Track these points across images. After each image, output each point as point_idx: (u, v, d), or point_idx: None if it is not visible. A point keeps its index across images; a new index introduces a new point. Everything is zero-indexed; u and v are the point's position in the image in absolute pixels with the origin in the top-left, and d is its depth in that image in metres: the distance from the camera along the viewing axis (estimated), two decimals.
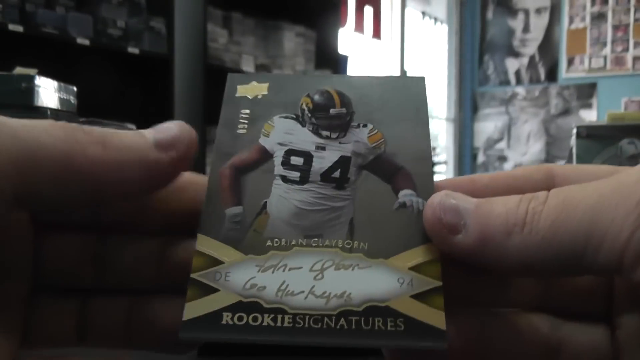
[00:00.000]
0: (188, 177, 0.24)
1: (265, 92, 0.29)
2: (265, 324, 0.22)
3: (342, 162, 0.26)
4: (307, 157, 0.27)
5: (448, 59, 5.07)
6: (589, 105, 4.61)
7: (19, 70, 0.97)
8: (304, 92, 0.29)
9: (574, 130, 0.92)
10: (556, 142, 4.68)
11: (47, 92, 0.91)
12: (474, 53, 5.04)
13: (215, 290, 0.23)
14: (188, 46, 2.82)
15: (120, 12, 2.51)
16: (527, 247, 0.20)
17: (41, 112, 0.88)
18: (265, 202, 0.25)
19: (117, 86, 2.62)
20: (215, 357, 0.37)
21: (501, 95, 4.93)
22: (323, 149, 0.27)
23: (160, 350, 0.25)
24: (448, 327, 0.21)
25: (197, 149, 0.22)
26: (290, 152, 0.27)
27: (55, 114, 0.91)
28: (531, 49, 4.81)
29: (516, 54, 4.87)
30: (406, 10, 4.65)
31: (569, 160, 0.94)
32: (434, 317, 0.22)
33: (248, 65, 3.05)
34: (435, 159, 4.29)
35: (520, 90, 4.86)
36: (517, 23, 4.85)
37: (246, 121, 0.28)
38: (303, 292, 0.22)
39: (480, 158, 4.97)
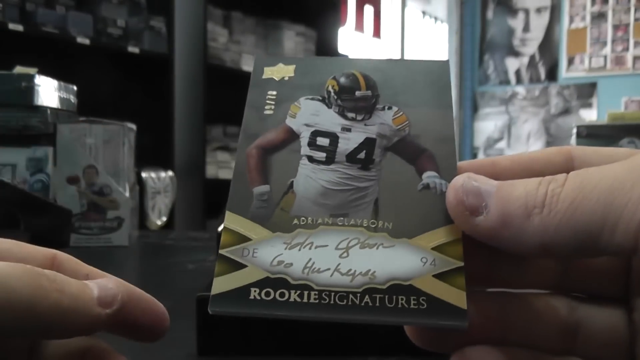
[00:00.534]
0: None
1: (292, 74, 0.29)
2: (292, 299, 0.22)
3: (367, 144, 0.27)
4: (333, 138, 0.27)
5: (448, 58, 5.06)
6: (589, 105, 4.61)
7: (19, 69, 0.97)
8: (329, 74, 0.29)
9: (574, 130, 0.92)
10: (556, 142, 4.68)
11: (47, 91, 0.91)
12: (474, 52, 5.04)
13: (243, 266, 0.23)
14: (188, 45, 2.82)
15: (121, 11, 2.51)
16: (546, 228, 0.21)
17: (41, 111, 0.88)
18: (292, 181, 0.26)
19: (117, 85, 2.62)
20: (215, 357, 0.37)
21: (501, 95, 4.93)
22: (349, 130, 0.27)
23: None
24: (469, 306, 0.22)
25: (124, 307, 0.23)
26: (316, 133, 0.27)
27: (55, 113, 0.91)
28: (531, 48, 4.81)
29: (516, 54, 4.87)
30: (406, 10, 4.65)
31: None
32: (456, 296, 0.22)
33: (248, 65, 3.04)
34: None
35: (521, 89, 4.86)
36: (517, 22, 4.85)
37: (273, 102, 0.28)
38: (329, 269, 0.23)
39: (480, 157, 4.96)
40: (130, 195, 0.89)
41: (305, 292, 0.22)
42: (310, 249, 0.24)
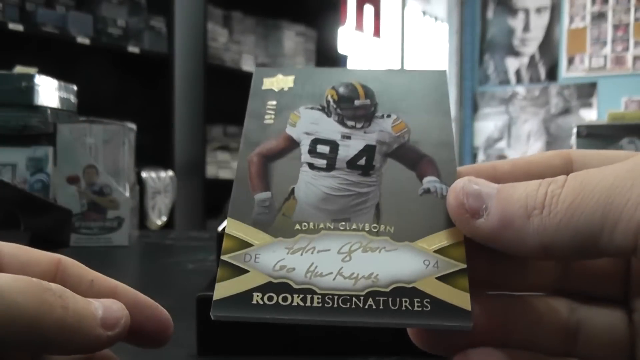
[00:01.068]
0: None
1: (291, 85, 0.30)
2: (295, 303, 0.22)
3: (368, 150, 0.27)
4: (333, 145, 0.27)
5: (448, 58, 5.07)
6: (589, 105, 4.61)
7: (19, 69, 0.97)
8: (328, 84, 0.30)
9: (574, 130, 0.92)
10: (556, 142, 4.68)
11: (47, 91, 0.91)
12: (474, 52, 5.04)
13: (245, 271, 0.23)
14: (188, 45, 2.82)
15: (121, 11, 2.51)
16: (545, 228, 0.21)
17: (41, 111, 0.88)
18: (293, 187, 0.26)
19: (117, 85, 2.61)
20: (215, 357, 0.37)
21: (501, 95, 4.93)
22: (348, 138, 0.28)
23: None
24: (472, 309, 0.22)
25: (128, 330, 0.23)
26: (316, 141, 0.28)
27: (55, 113, 0.91)
28: (531, 48, 4.81)
29: (516, 54, 4.87)
30: (406, 9, 4.65)
31: None
32: (459, 298, 0.22)
33: (248, 65, 3.04)
34: None
35: (521, 89, 4.86)
36: (517, 22, 4.85)
37: (273, 112, 0.29)
38: (332, 273, 0.23)
39: (480, 157, 4.97)
40: (130, 195, 0.89)
41: (309, 296, 0.22)
42: (312, 253, 0.24)
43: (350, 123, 0.28)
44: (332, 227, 0.25)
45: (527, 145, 4.80)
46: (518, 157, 0.27)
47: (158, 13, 2.62)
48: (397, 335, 0.36)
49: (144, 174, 2.11)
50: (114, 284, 0.24)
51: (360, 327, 0.22)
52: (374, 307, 0.22)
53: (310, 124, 0.28)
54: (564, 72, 4.69)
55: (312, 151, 0.27)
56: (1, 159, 0.85)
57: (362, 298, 0.22)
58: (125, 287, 0.24)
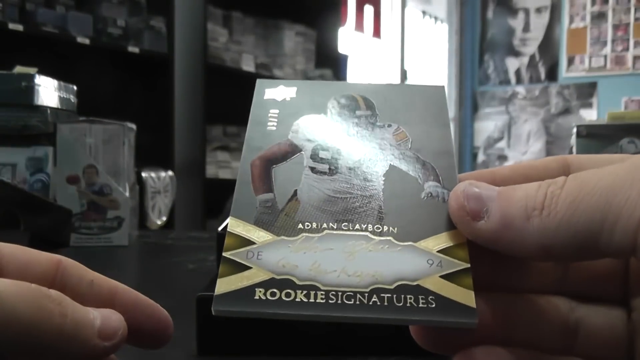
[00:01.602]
0: None
1: (294, 95, 0.31)
2: (298, 299, 0.22)
3: (369, 157, 0.28)
4: (335, 151, 0.28)
5: (448, 58, 5.07)
6: (589, 105, 4.61)
7: (19, 69, 0.97)
8: (330, 96, 0.31)
9: (574, 130, 0.92)
10: (556, 142, 4.68)
11: (47, 91, 0.91)
12: (474, 52, 5.04)
13: (248, 267, 0.23)
14: (188, 45, 2.82)
15: (120, 11, 2.51)
16: (546, 229, 0.21)
17: (41, 111, 0.88)
18: (296, 189, 0.26)
19: (117, 85, 2.62)
20: (215, 357, 0.37)
21: (501, 95, 4.93)
22: (350, 145, 0.28)
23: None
24: (476, 307, 0.22)
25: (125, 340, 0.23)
26: (318, 147, 0.28)
27: (55, 113, 0.91)
28: (531, 48, 4.81)
29: (516, 53, 4.87)
30: (406, 10, 4.65)
31: None
32: (464, 295, 0.22)
33: (248, 65, 3.04)
34: None
35: (521, 89, 4.86)
36: (517, 22, 4.85)
37: (275, 119, 0.30)
38: (335, 270, 0.23)
39: (481, 157, 4.97)
40: (130, 195, 0.89)
41: (312, 292, 0.22)
42: (315, 252, 0.24)
43: (351, 132, 0.29)
44: (335, 228, 0.25)
45: (527, 145, 4.80)
46: (516, 162, 0.27)
47: (158, 13, 2.62)
48: (397, 335, 0.36)
49: (144, 174, 2.11)
50: (114, 284, 0.24)
51: (363, 324, 0.22)
52: (378, 303, 0.22)
53: (312, 131, 0.29)
54: (564, 72, 4.69)
55: (314, 157, 0.28)
56: (1, 159, 0.85)
57: (366, 294, 0.22)
58: (125, 288, 0.24)
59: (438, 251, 0.24)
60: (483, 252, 0.23)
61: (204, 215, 2.79)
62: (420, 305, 0.22)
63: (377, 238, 0.24)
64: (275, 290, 0.22)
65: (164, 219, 2.24)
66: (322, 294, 0.22)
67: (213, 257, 0.71)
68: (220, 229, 0.59)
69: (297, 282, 0.23)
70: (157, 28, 2.60)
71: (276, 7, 3.18)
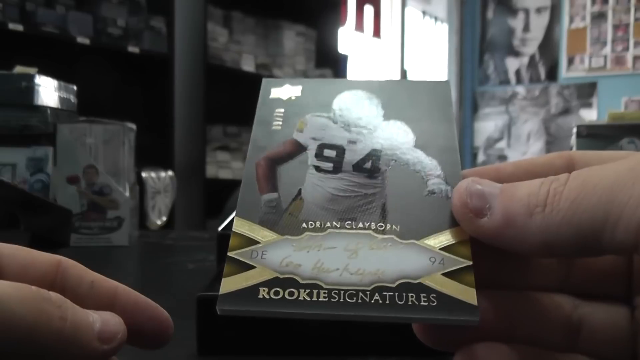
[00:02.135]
0: None
1: (299, 94, 0.31)
2: (301, 298, 0.22)
3: (373, 154, 0.28)
4: (340, 149, 0.28)
5: (448, 58, 5.07)
6: (589, 105, 4.61)
7: (19, 69, 0.97)
8: (335, 94, 0.31)
9: (574, 130, 0.92)
10: (556, 142, 4.68)
11: (47, 91, 0.91)
12: (474, 52, 5.04)
13: (252, 267, 0.23)
14: (188, 45, 2.82)
15: (121, 11, 2.51)
16: (548, 226, 0.21)
17: (41, 111, 0.88)
18: (300, 189, 0.27)
19: (117, 85, 2.62)
20: (215, 357, 0.37)
21: (501, 95, 4.93)
22: (354, 142, 0.28)
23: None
24: (478, 304, 0.22)
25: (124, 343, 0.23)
26: (323, 146, 0.28)
27: (55, 113, 0.91)
28: (531, 48, 4.81)
29: (516, 54, 4.87)
30: (406, 9, 4.65)
31: None
32: (466, 293, 0.23)
33: (248, 65, 3.04)
34: None
35: (521, 89, 4.86)
36: (517, 22, 4.85)
37: (280, 119, 0.30)
38: (338, 269, 0.23)
39: (481, 157, 4.97)
40: (130, 195, 0.89)
41: (315, 291, 0.23)
42: (318, 250, 0.24)
43: (356, 130, 0.29)
44: (338, 226, 0.25)
45: (527, 145, 4.80)
46: (520, 158, 0.27)
47: (158, 13, 2.62)
48: (396, 334, 0.36)
49: (144, 174, 2.11)
50: (114, 285, 0.24)
51: (359, 324, 0.22)
52: (380, 301, 0.22)
53: (317, 130, 0.29)
54: (564, 72, 4.69)
55: (319, 155, 0.28)
56: (1, 159, 0.85)
57: (368, 293, 0.23)
58: (126, 289, 0.24)
59: (440, 249, 0.24)
60: (486, 249, 0.24)
61: (204, 215, 2.79)
62: (422, 303, 0.22)
63: (380, 236, 0.24)
64: (278, 289, 0.23)
65: (164, 219, 2.24)
66: (324, 293, 0.23)
67: (213, 257, 0.71)
68: (220, 228, 0.59)
69: (300, 281, 0.23)
70: (157, 28, 2.60)
71: (276, 7, 3.18)
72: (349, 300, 0.22)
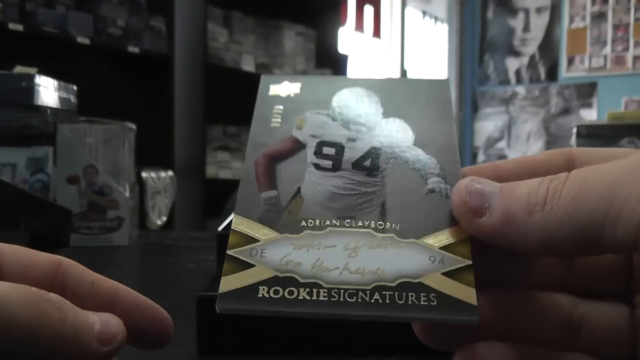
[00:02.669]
0: None
1: (298, 91, 0.31)
2: (301, 297, 0.22)
3: (373, 152, 0.28)
4: (339, 147, 0.28)
5: (448, 58, 5.07)
6: (589, 105, 4.61)
7: (19, 69, 0.97)
8: (334, 91, 0.31)
9: (575, 130, 0.92)
10: (556, 142, 4.68)
11: (47, 91, 0.91)
12: (474, 52, 5.04)
13: (252, 265, 0.23)
14: (188, 45, 2.82)
15: (121, 11, 2.51)
16: (548, 224, 0.21)
17: (41, 111, 0.88)
18: (300, 187, 0.26)
19: (117, 85, 2.62)
20: (215, 357, 0.37)
21: (501, 95, 4.93)
22: (354, 140, 0.28)
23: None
24: (477, 303, 0.22)
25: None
26: (322, 143, 0.28)
27: (55, 113, 0.91)
28: (531, 48, 4.81)
29: (516, 54, 4.87)
30: (406, 10, 4.65)
31: None
32: (465, 293, 0.22)
33: (248, 65, 3.04)
34: None
35: (521, 89, 4.86)
36: (517, 22, 4.85)
37: (279, 116, 0.30)
38: (338, 268, 0.23)
39: (481, 157, 4.97)
40: (130, 195, 0.89)
41: (315, 290, 0.23)
42: (318, 249, 0.24)
43: (355, 127, 0.29)
44: (338, 225, 0.25)
45: (527, 145, 4.80)
46: (521, 156, 0.27)
47: (158, 13, 2.62)
48: (397, 335, 0.36)
49: (144, 174, 2.11)
50: (114, 285, 0.24)
51: (359, 324, 0.22)
52: (380, 301, 0.22)
53: (316, 127, 0.29)
54: (564, 72, 4.69)
55: (318, 153, 0.28)
56: (1, 159, 0.85)
57: (368, 292, 0.22)
58: (126, 289, 0.24)
59: (440, 248, 0.24)
60: (486, 248, 0.24)
61: (204, 215, 2.79)
62: (422, 302, 0.22)
63: (379, 235, 0.24)
64: (278, 288, 0.23)
65: (164, 219, 2.24)
66: (324, 292, 0.22)
67: (213, 257, 0.71)
68: (220, 228, 0.59)
69: (300, 280, 0.23)
70: (157, 28, 2.60)
71: (276, 7, 3.18)
72: (348, 299, 0.22)
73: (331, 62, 3.45)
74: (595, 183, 0.21)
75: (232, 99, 2.84)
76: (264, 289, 0.23)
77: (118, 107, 2.24)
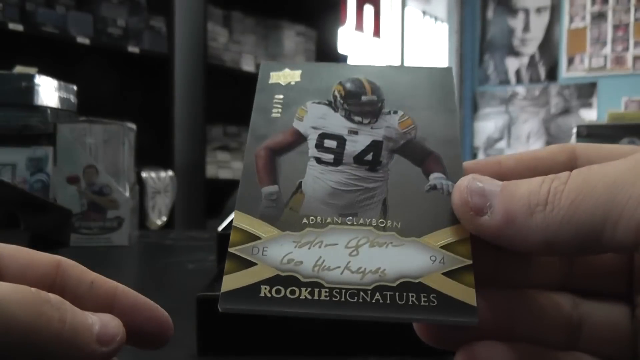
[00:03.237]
0: None
1: (298, 79, 0.30)
2: (302, 297, 0.22)
3: (374, 146, 0.27)
4: (340, 140, 0.28)
5: (448, 58, 5.07)
6: (589, 105, 4.61)
7: (19, 69, 0.97)
8: (335, 80, 0.30)
9: (574, 130, 0.92)
10: (556, 142, 4.67)
11: (47, 91, 0.91)
12: (474, 52, 5.04)
13: (253, 264, 0.23)
14: (188, 45, 2.82)
15: (121, 11, 2.51)
16: (548, 224, 0.21)
17: (41, 111, 0.88)
18: (301, 182, 0.26)
19: (117, 85, 2.61)
20: (215, 357, 0.37)
21: (501, 95, 4.93)
22: (355, 133, 0.28)
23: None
24: (477, 303, 0.22)
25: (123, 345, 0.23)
26: (323, 136, 0.28)
27: (55, 113, 0.91)
28: (531, 48, 4.81)
29: (516, 54, 4.87)
30: (406, 9, 4.65)
31: None
32: (465, 293, 0.22)
33: (248, 65, 3.04)
34: None
35: (521, 89, 4.86)
36: (517, 22, 4.85)
37: (280, 106, 0.29)
38: (339, 267, 0.23)
39: (481, 157, 4.96)
40: (130, 195, 0.89)
41: (316, 290, 0.22)
42: (320, 247, 0.24)
43: (357, 118, 0.28)
44: (339, 222, 0.25)
45: (527, 145, 4.80)
46: (523, 151, 0.27)
47: (158, 13, 2.62)
48: (397, 335, 0.36)
49: (144, 174, 2.11)
50: (113, 285, 0.24)
51: (359, 324, 0.22)
52: (380, 301, 0.22)
53: (317, 118, 0.28)
54: (564, 72, 4.69)
55: (320, 145, 0.27)
56: (1, 159, 0.85)
57: (369, 292, 0.22)
58: (125, 289, 0.24)
59: (441, 247, 0.24)
60: (487, 248, 0.24)
61: (204, 215, 2.79)
62: (422, 303, 0.22)
63: (381, 233, 0.24)
64: (280, 287, 0.23)
65: (164, 219, 2.24)
66: (326, 292, 0.22)
67: (213, 257, 0.71)
68: (220, 228, 0.59)
69: (302, 279, 0.23)
70: (157, 28, 2.60)
71: (276, 7, 3.18)
72: (350, 299, 0.22)
73: (331, 62, 3.44)
74: (595, 184, 0.21)
75: (232, 99, 2.84)
76: (265, 289, 0.22)
77: (118, 107, 2.24)
